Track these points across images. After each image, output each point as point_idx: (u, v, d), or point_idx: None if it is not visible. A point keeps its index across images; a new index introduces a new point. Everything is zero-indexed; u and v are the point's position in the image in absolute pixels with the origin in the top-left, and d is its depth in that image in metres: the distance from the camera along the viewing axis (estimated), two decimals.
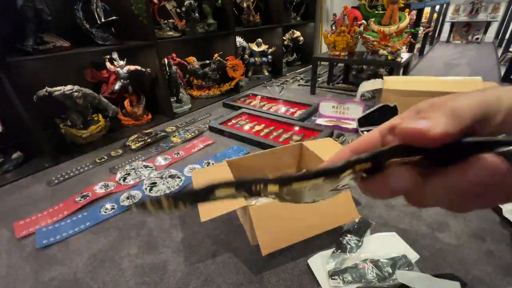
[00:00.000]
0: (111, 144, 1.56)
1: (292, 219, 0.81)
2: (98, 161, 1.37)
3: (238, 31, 2.38)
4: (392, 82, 1.66)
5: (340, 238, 0.81)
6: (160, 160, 1.35)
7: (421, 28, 3.27)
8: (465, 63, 3.31)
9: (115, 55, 1.71)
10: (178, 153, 1.42)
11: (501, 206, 0.91)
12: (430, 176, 0.17)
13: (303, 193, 0.21)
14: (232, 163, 0.98)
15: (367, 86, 1.77)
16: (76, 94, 1.40)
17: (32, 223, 0.97)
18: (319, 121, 1.71)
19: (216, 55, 2.27)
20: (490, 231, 0.86)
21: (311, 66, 2.41)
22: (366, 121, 1.55)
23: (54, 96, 1.35)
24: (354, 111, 1.69)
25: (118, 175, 1.22)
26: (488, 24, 4.70)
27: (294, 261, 0.79)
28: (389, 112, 1.52)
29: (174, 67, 1.96)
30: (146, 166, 1.29)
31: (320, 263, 0.76)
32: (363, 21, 2.04)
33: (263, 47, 2.80)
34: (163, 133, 1.63)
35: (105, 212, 1.01)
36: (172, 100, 1.97)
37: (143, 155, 1.41)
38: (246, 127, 1.68)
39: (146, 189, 1.13)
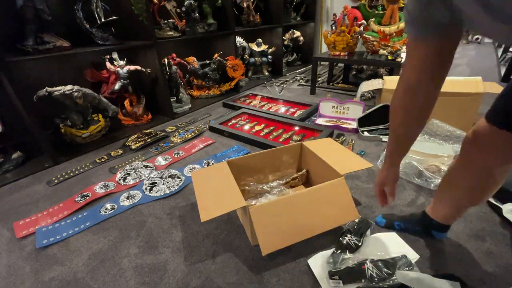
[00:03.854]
0: (111, 144, 1.56)
1: (292, 219, 0.81)
2: (98, 161, 1.37)
3: (238, 31, 2.38)
4: (392, 82, 1.65)
5: (340, 238, 0.81)
6: (160, 160, 1.35)
7: None
8: (465, 63, 3.31)
9: (115, 55, 1.71)
10: (178, 153, 1.42)
11: (501, 206, 0.91)
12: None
13: None
14: (232, 163, 0.98)
15: (367, 86, 1.77)
16: (76, 94, 1.40)
17: (32, 223, 0.97)
18: (319, 121, 1.71)
19: (216, 55, 2.27)
20: (490, 231, 0.86)
21: (311, 66, 2.41)
22: (366, 121, 1.55)
23: (54, 96, 1.35)
24: (354, 111, 1.69)
25: (118, 175, 1.22)
26: None
27: (294, 261, 0.79)
28: (389, 112, 1.52)
29: (174, 67, 1.96)
30: (146, 166, 1.29)
31: (320, 263, 0.76)
32: (363, 21, 2.04)
33: (263, 47, 2.79)
34: (163, 133, 1.63)
35: (105, 212, 1.01)
36: (172, 100, 1.97)
37: (143, 155, 1.41)
38: (246, 127, 1.68)
39: (146, 189, 1.13)
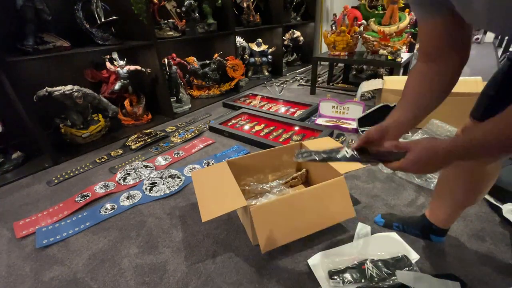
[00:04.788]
0: (111, 144, 1.56)
1: (293, 218, 0.81)
2: (98, 161, 1.37)
3: (238, 31, 2.38)
4: (392, 82, 1.65)
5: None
6: (160, 160, 1.35)
7: None
8: None
9: (115, 55, 1.70)
10: (178, 153, 1.42)
11: (501, 206, 0.91)
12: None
13: None
14: (232, 163, 0.98)
15: (367, 86, 1.77)
16: (76, 94, 1.40)
17: (32, 223, 0.97)
18: (319, 121, 1.71)
19: (216, 55, 2.27)
20: (490, 231, 0.86)
21: (311, 66, 2.41)
22: (366, 121, 1.55)
23: (54, 96, 1.35)
24: (354, 111, 1.69)
25: (118, 175, 1.22)
26: None
27: (294, 261, 0.79)
28: (388, 112, 1.52)
29: (174, 67, 1.96)
30: (146, 166, 1.29)
31: (320, 263, 0.76)
32: (363, 21, 2.04)
33: (263, 47, 2.79)
34: (163, 133, 1.63)
35: (105, 212, 1.01)
36: (172, 100, 1.97)
37: (143, 155, 1.41)
38: (246, 127, 1.68)
39: (146, 189, 1.13)
